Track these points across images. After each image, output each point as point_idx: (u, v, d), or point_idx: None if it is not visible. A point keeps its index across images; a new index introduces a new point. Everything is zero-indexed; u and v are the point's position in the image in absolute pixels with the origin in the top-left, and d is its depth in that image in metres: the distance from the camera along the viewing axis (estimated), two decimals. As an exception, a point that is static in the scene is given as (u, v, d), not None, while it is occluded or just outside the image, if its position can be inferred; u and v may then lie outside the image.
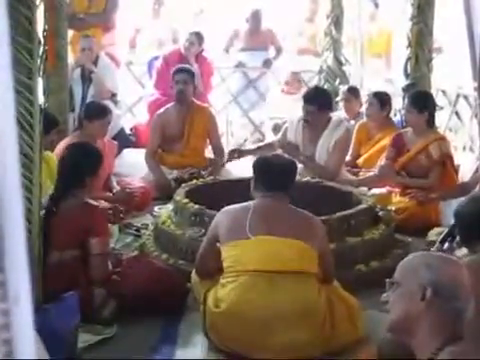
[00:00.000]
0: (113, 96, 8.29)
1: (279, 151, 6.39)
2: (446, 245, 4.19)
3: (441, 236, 4.38)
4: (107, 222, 4.36)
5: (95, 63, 8.12)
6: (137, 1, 10.63)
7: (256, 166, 3.90)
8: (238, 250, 3.64)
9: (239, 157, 6.78)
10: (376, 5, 10.75)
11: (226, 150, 7.25)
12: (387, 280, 2.28)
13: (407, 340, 2.22)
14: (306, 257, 3.66)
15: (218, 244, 3.78)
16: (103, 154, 4.50)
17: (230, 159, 6.76)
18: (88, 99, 7.75)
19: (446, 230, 4.43)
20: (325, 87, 8.92)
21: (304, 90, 8.24)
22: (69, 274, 3.91)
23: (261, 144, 7.27)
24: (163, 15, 10.30)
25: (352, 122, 7.40)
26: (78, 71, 8.04)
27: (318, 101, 6.09)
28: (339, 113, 7.82)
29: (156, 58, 9.13)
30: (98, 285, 3.98)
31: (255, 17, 10.01)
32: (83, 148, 4.44)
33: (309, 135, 6.22)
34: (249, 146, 7.66)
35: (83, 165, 4.18)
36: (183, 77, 6.90)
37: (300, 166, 5.90)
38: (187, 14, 10.87)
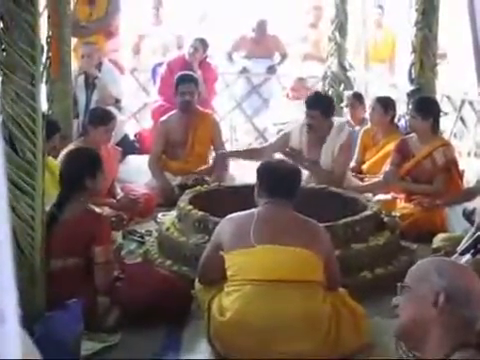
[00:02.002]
0: (117, 102, 8.29)
1: (273, 156, 6.37)
2: (467, 257, 4.16)
3: (463, 246, 4.35)
4: (111, 230, 4.35)
5: (99, 69, 8.12)
6: (139, 6, 10.63)
7: (260, 172, 3.88)
8: (242, 258, 3.62)
9: (225, 159, 6.82)
10: (382, 10, 10.74)
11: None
12: (398, 284, 2.25)
13: (416, 345, 2.19)
14: (311, 266, 3.64)
15: (221, 252, 3.75)
16: (103, 158, 4.49)
17: (216, 164, 6.75)
18: (92, 105, 7.74)
19: (468, 240, 4.39)
20: (329, 93, 8.92)
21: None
22: (73, 282, 3.90)
23: (249, 148, 7.28)
24: (166, 20, 10.29)
25: (357, 128, 7.39)
26: (82, 78, 8.04)
27: (321, 106, 6.10)
28: (343, 119, 7.82)
29: (160, 64, 9.12)
30: (102, 293, 3.96)
31: (261, 27, 9.99)
32: (80, 152, 4.44)
33: (312, 141, 6.22)
34: (237, 149, 7.66)
35: (81, 168, 4.18)
36: (189, 88, 6.88)
37: (305, 172, 5.90)
38: (191, 19, 10.86)
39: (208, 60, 8.87)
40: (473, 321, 2.10)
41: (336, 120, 6.40)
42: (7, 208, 1.14)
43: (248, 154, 6.82)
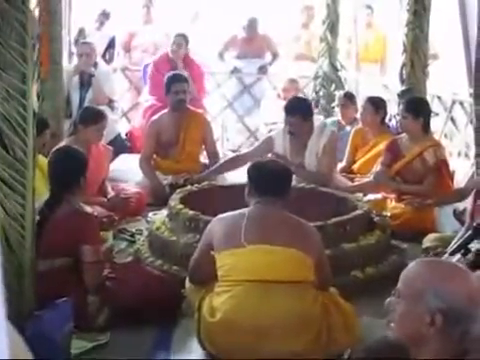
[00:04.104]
0: (110, 102, 8.28)
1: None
2: (457, 257, 4.17)
3: (452, 246, 4.36)
4: (99, 229, 4.34)
5: (94, 68, 8.13)
6: (130, 4, 10.64)
7: (250, 171, 3.86)
8: (233, 259, 3.60)
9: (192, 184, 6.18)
10: (371, 10, 10.75)
11: (221, 156, 7.24)
12: (391, 296, 2.20)
13: (412, 352, 2.16)
14: (302, 266, 3.63)
15: (212, 252, 3.74)
16: (94, 157, 4.48)
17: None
18: (86, 104, 7.73)
19: (458, 240, 4.40)
20: (321, 93, 8.94)
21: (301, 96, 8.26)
22: (62, 281, 3.89)
23: (230, 157, 6.96)
24: (157, 19, 10.28)
25: (348, 128, 7.40)
26: (76, 77, 8.04)
27: (301, 111, 6.12)
28: (334, 119, 7.84)
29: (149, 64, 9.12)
30: (92, 292, 3.96)
31: (252, 25, 9.99)
32: (69, 152, 4.43)
33: (296, 144, 6.22)
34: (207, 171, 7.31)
35: (72, 168, 4.18)
36: (181, 87, 6.88)
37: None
38: (182, 18, 10.84)
39: (191, 56, 8.84)
40: (470, 331, 2.07)
41: (317, 120, 6.40)
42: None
43: (230, 165, 6.54)
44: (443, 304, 2.05)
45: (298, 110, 6.13)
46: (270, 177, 3.77)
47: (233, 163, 6.52)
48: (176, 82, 6.91)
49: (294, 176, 5.79)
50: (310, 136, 6.18)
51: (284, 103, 6.52)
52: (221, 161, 6.80)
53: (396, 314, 2.16)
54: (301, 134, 6.16)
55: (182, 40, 8.68)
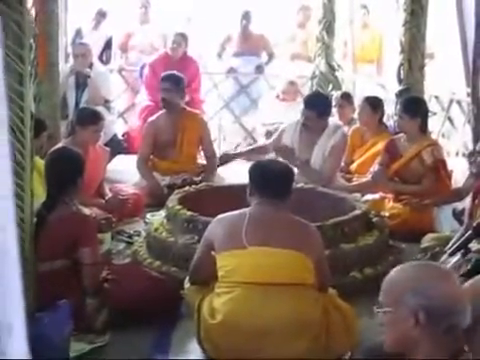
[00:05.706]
0: (107, 102, 8.26)
1: (272, 154, 6.42)
2: (457, 258, 4.16)
3: (452, 246, 4.35)
4: (97, 231, 4.32)
5: (90, 69, 8.12)
6: (127, 6, 10.63)
7: (252, 172, 3.84)
8: (234, 260, 3.59)
9: (229, 161, 6.89)
10: (366, 9, 10.74)
11: (218, 156, 7.24)
12: (375, 308, 2.22)
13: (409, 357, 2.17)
14: (302, 268, 3.62)
15: (213, 252, 3.73)
16: (91, 159, 4.46)
17: (222, 164, 6.77)
18: (82, 105, 7.71)
19: (458, 240, 4.39)
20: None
21: (300, 99, 8.29)
22: (61, 283, 3.87)
23: (253, 146, 7.36)
24: (154, 20, 10.27)
25: (345, 128, 7.39)
26: (72, 78, 8.02)
27: (318, 107, 6.16)
28: (333, 119, 7.82)
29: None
30: (91, 294, 3.94)
31: (245, 18, 10.03)
32: (65, 153, 4.42)
33: (306, 139, 6.25)
34: (241, 149, 7.77)
35: (68, 169, 4.17)
36: (167, 85, 6.86)
37: (295, 171, 5.91)
38: (178, 19, 10.83)
39: (189, 55, 8.82)
40: (459, 326, 2.09)
41: (331, 121, 6.43)
42: (14, 222, 1.13)
43: (252, 153, 6.86)
44: (423, 300, 2.08)
45: (316, 106, 6.18)
46: (272, 178, 3.74)
47: (258, 151, 6.83)
48: (164, 81, 6.92)
49: (296, 171, 5.86)
50: (321, 134, 6.20)
51: (283, 103, 6.57)
52: (252, 146, 7.45)
53: (385, 327, 2.20)
54: (313, 130, 6.19)
55: (181, 39, 8.68)
